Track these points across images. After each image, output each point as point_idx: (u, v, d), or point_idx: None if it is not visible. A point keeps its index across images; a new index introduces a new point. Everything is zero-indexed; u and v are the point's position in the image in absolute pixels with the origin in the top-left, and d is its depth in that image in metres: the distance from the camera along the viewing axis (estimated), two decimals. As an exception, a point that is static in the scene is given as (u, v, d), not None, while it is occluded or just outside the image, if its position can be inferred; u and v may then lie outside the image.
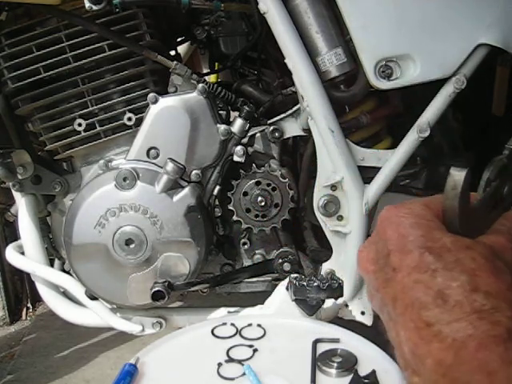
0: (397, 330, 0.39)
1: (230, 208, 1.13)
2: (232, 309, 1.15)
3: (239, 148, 1.07)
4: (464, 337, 0.34)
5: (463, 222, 0.42)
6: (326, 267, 1.08)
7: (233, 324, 0.83)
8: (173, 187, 1.04)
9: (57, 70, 1.04)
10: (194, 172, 1.07)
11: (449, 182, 0.41)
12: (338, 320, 1.08)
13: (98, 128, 1.07)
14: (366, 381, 0.65)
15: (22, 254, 1.18)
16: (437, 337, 0.35)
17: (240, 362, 0.73)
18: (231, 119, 1.13)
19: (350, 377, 0.67)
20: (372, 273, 0.44)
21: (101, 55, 1.04)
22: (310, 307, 0.92)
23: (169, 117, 1.05)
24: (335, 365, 0.70)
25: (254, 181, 1.12)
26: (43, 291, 1.20)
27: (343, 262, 1.07)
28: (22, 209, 1.15)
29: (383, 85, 0.99)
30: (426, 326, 0.36)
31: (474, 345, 0.34)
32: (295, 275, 0.98)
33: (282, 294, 1.07)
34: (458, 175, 0.40)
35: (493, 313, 0.35)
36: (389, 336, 0.42)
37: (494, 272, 0.37)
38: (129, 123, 1.06)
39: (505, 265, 0.38)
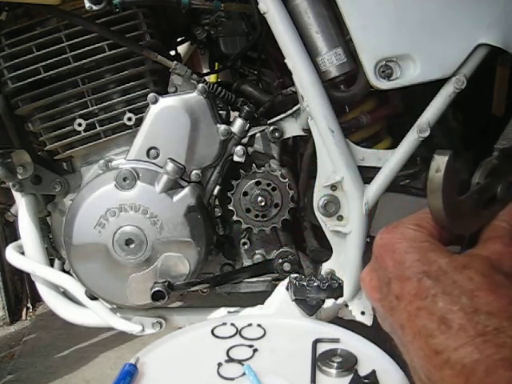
0: (410, 356, 0.40)
1: (230, 208, 1.13)
2: (232, 309, 1.15)
3: (239, 148, 1.07)
4: (472, 362, 0.34)
5: (449, 208, 0.41)
6: (325, 267, 1.08)
7: (233, 324, 0.83)
8: (173, 187, 1.04)
9: (57, 70, 1.04)
10: (193, 172, 1.07)
11: (432, 166, 0.41)
12: (338, 320, 1.08)
13: (98, 128, 1.07)
14: (366, 381, 0.65)
15: (22, 253, 1.18)
16: (447, 364, 0.36)
17: (240, 362, 0.73)
18: (231, 119, 1.13)
19: (350, 377, 0.67)
20: (378, 301, 0.45)
21: (101, 55, 1.04)
22: (310, 307, 0.92)
23: (169, 117, 1.05)
24: (335, 365, 0.70)
25: (253, 181, 1.12)
26: (43, 291, 1.20)
27: (343, 262, 1.07)
28: (22, 209, 1.15)
29: (383, 85, 0.99)
30: (435, 353, 0.36)
31: (482, 370, 0.34)
32: (295, 275, 0.98)
33: (281, 294, 1.07)
34: (441, 158, 0.41)
35: (497, 334, 0.35)
36: (405, 358, 0.42)
37: (493, 289, 0.37)
38: (129, 123, 1.06)
39: (504, 276, 0.38)
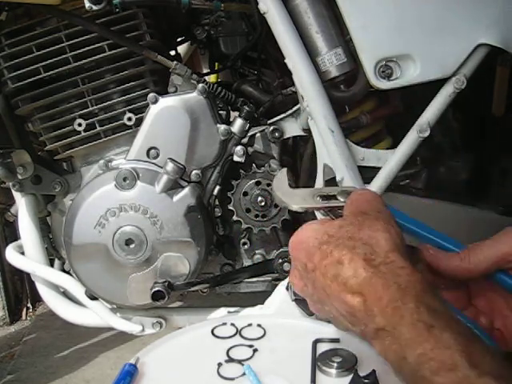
0: (335, 309, 0.52)
1: (230, 208, 1.13)
2: (232, 309, 1.15)
3: (239, 148, 1.07)
4: (365, 280, 0.48)
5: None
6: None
7: (233, 324, 0.82)
8: (173, 187, 1.04)
9: (57, 70, 1.04)
10: (194, 172, 1.07)
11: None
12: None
13: (98, 128, 1.07)
14: (366, 381, 0.65)
15: (22, 253, 1.18)
16: (349, 288, 0.48)
17: (240, 362, 0.72)
18: (231, 119, 1.13)
19: (350, 377, 0.67)
20: (304, 287, 0.57)
21: (101, 55, 1.04)
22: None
23: (169, 117, 1.05)
24: (335, 365, 0.70)
25: (254, 181, 1.12)
26: (43, 291, 1.20)
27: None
28: (22, 209, 1.15)
29: (383, 85, 0.99)
30: (343, 286, 0.49)
31: (380, 284, 0.47)
32: (295, 275, 0.98)
33: (282, 294, 1.07)
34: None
35: (374, 258, 0.49)
36: (335, 323, 0.56)
37: (360, 228, 0.52)
38: (129, 123, 1.06)
39: (368, 216, 0.53)
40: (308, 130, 1.06)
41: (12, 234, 1.72)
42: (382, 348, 0.47)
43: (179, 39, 1.36)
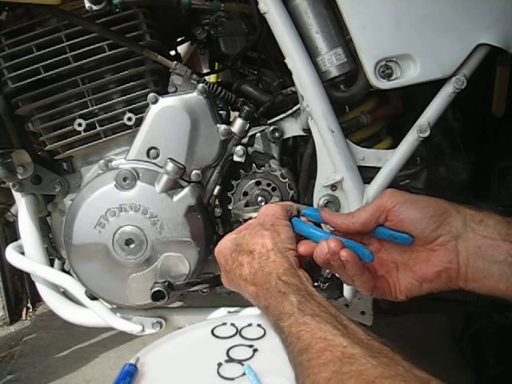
0: (245, 294, 0.72)
1: (230, 208, 1.13)
2: (232, 309, 1.15)
3: (239, 148, 1.07)
4: (252, 273, 0.69)
5: None
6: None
7: (233, 324, 0.82)
8: (173, 187, 1.04)
9: (57, 70, 1.04)
10: (194, 172, 1.07)
11: None
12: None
13: (98, 128, 1.07)
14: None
15: (22, 253, 1.18)
16: (244, 280, 0.70)
17: (240, 362, 0.73)
18: (231, 119, 1.13)
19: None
20: (230, 284, 0.76)
21: (101, 55, 1.04)
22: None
23: (169, 117, 1.05)
24: (335, 365, 0.70)
25: (254, 181, 1.12)
26: (43, 291, 1.20)
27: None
28: (22, 209, 1.15)
29: (383, 85, 0.99)
30: (243, 280, 0.70)
31: (262, 275, 0.67)
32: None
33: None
34: None
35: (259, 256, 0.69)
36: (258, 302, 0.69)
37: (252, 233, 0.72)
38: (129, 123, 1.06)
39: (261, 226, 0.72)
40: (308, 130, 1.06)
41: (12, 234, 1.72)
42: (268, 320, 0.64)
43: (179, 39, 1.35)
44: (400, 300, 0.71)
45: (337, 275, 0.73)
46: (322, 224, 0.78)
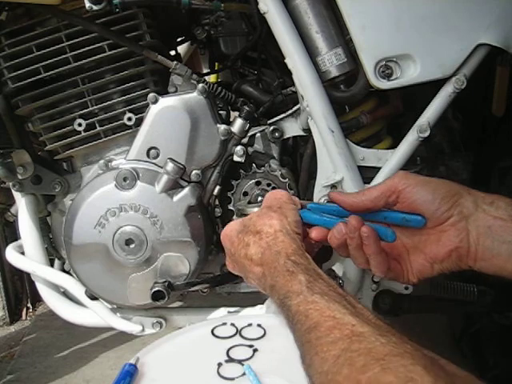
0: (249, 275, 0.72)
1: (230, 208, 1.13)
2: (232, 309, 1.15)
3: (239, 148, 1.07)
4: (260, 254, 0.69)
5: None
6: (326, 267, 1.08)
7: (233, 324, 0.82)
8: (173, 187, 1.04)
9: (57, 70, 1.04)
10: (194, 172, 1.07)
11: None
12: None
13: (98, 128, 1.07)
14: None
15: (22, 253, 1.18)
16: (252, 261, 0.69)
17: (240, 362, 0.73)
18: (231, 119, 1.13)
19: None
20: (233, 267, 0.77)
21: (101, 55, 1.04)
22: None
23: (169, 117, 1.05)
24: (335, 365, 0.70)
25: (254, 181, 1.12)
26: (43, 291, 1.20)
27: (343, 262, 1.07)
28: (22, 209, 1.15)
29: (383, 85, 0.99)
30: (249, 261, 0.70)
31: (271, 255, 0.67)
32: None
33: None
34: None
35: (271, 239, 0.69)
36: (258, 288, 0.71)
37: (261, 216, 0.72)
38: (129, 123, 1.06)
39: (272, 210, 0.73)
40: (308, 130, 1.06)
41: (12, 234, 1.72)
42: (274, 300, 0.64)
43: (179, 39, 1.35)
44: (412, 283, 0.72)
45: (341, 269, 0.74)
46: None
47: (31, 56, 1.03)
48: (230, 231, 0.76)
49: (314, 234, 0.73)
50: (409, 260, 0.72)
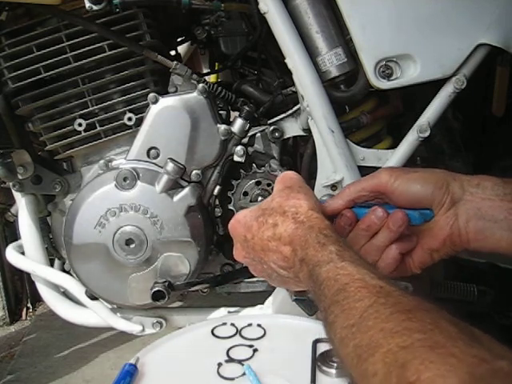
0: (269, 264, 0.68)
1: (230, 208, 1.13)
2: (232, 309, 1.15)
3: (239, 148, 1.07)
4: (292, 232, 0.65)
5: None
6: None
7: (233, 324, 0.83)
8: (173, 187, 1.04)
9: (57, 70, 1.04)
10: (194, 172, 1.07)
11: None
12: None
13: (98, 128, 1.07)
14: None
15: (22, 253, 1.18)
16: (281, 240, 0.65)
17: (240, 362, 0.73)
18: (231, 119, 1.13)
19: (350, 377, 0.67)
20: (245, 255, 0.72)
21: (101, 55, 1.04)
22: (310, 307, 0.91)
23: (169, 117, 1.05)
24: (335, 365, 0.70)
25: (254, 181, 1.12)
26: (43, 291, 1.20)
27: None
28: (22, 209, 1.15)
29: (383, 85, 0.99)
30: (277, 240, 0.66)
31: (300, 235, 0.64)
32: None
33: (281, 294, 1.07)
34: None
35: (298, 216, 0.66)
36: (271, 279, 0.71)
37: (285, 197, 0.68)
38: (129, 123, 1.06)
39: (292, 190, 0.70)
40: (308, 130, 1.06)
41: (12, 234, 1.72)
42: (303, 275, 0.62)
43: (179, 39, 1.35)
44: (416, 273, 0.73)
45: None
46: None
47: (31, 56, 1.03)
48: (242, 217, 0.72)
49: (350, 214, 0.71)
50: (409, 254, 0.72)
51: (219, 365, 0.72)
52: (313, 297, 0.60)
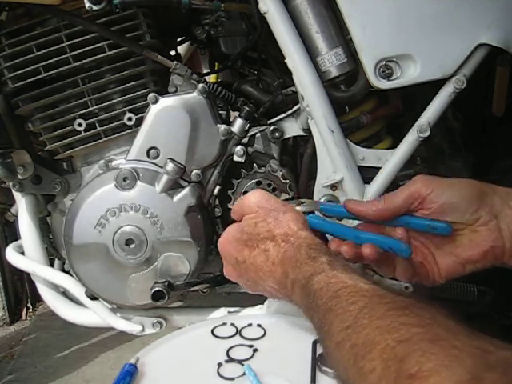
0: (264, 285, 0.71)
1: (230, 207, 1.13)
2: (232, 309, 1.15)
3: (239, 148, 1.07)
4: (281, 254, 0.67)
5: None
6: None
7: (233, 324, 0.83)
8: (173, 187, 1.04)
9: (57, 70, 1.04)
10: (194, 172, 1.07)
11: None
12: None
13: (98, 128, 1.07)
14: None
15: (22, 253, 1.18)
16: (270, 259, 0.68)
17: (240, 362, 0.73)
18: (231, 119, 1.13)
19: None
20: (239, 275, 0.75)
21: (101, 55, 1.04)
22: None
23: (169, 117, 1.05)
24: (335, 365, 0.70)
25: (254, 180, 1.12)
26: (43, 291, 1.20)
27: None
28: (22, 209, 1.15)
29: (383, 85, 0.99)
30: (270, 263, 0.68)
31: (290, 256, 0.66)
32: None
33: (282, 294, 1.07)
34: None
35: (286, 238, 0.68)
36: (266, 294, 0.73)
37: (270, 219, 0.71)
38: (129, 123, 1.06)
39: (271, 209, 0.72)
40: (308, 130, 1.06)
41: (12, 234, 1.72)
42: (296, 297, 0.63)
43: (179, 39, 1.35)
44: (439, 283, 0.72)
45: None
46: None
47: (31, 56, 1.03)
48: (231, 237, 0.73)
49: (334, 246, 0.71)
50: (435, 262, 0.71)
51: (219, 365, 0.72)
52: (309, 320, 0.60)
